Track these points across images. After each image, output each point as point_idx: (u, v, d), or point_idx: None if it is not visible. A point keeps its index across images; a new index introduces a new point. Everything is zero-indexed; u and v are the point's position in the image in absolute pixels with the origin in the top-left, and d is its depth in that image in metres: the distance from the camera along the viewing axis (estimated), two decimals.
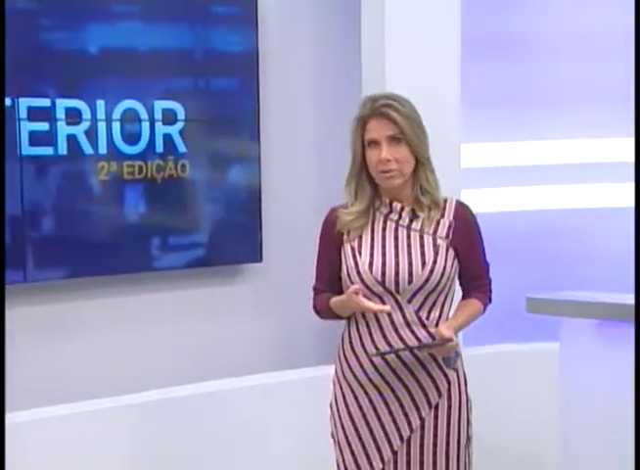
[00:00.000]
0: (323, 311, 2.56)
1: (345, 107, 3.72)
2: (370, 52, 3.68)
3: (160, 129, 3.54)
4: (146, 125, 3.51)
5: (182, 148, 3.59)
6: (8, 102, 3.22)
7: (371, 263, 2.46)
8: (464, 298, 2.59)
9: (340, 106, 3.76)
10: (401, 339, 2.45)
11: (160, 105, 3.53)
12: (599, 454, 2.54)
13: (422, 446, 2.48)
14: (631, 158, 2.98)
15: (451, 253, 2.49)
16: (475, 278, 2.57)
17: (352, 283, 2.46)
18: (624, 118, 2.92)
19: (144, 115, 3.50)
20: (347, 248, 2.51)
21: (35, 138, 3.30)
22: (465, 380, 2.55)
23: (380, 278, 2.44)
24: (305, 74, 3.91)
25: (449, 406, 2.50)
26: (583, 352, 2.74)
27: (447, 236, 2.49)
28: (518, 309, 2.98)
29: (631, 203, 3.21)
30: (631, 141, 3.07)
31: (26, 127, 3.28)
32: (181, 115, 3.57)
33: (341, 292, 2.53)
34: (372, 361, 2.47)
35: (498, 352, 3.83)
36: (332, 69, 3.92)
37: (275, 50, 3.79)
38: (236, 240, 3.76)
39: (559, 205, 4.05)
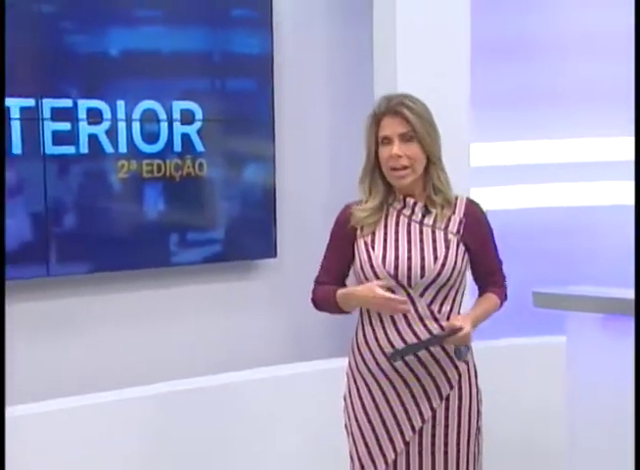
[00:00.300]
0: (324, 302, 2.56)
1: (358, 108, 3.73)
2: (382, 54, 3.68)
3: (179, 129, 3.55)
4: (164, 125, 3.52)
5: (200, 147, 3.60)
6: (32, 102, 3.24)
7: (384, 257, 2.47)
8: (480, 294, 2.59)
9: (352, 107, 3.81)
10: (414, 332, 2.46)
11: (179, 105, 3.54)
12: (605, 444, 2.55)
13: (433, 436, 2.49)
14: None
15: (462, 248, 2.49)
16: (489, 274, 2.58)
17: (366, 277, 2.47)
18: (631, 118, 2.92)
19: (163, 115, 3.51)
20: (361, 243, 2.51)
21: (58, 138, 3.32)
22: (475, 372, 2.56)
23: (392, 272, 2.45)
24: (319, 76, 3.92)
25: (460, 398, 2.51)
26: (589, 346, 2.74)
27: (458, 232, 2.49)
28: (525, 304, 2.98)
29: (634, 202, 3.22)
30: None
31: (50, 127, 3.29)
32: (199, 115, 3.58)
33: (343, 285, 2.55)
34: (386, 354, 2.46)
35: (507, 345, 3.82)
36: (344, 70, 3.93)
37: (289, 53, 3.80)
38: (251, 236, 3.77)
39: (566, 202, 4.05)
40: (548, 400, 3.40)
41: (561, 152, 4.04)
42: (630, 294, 2.54)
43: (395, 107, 2.46)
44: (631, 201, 3.50)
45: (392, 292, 2.43)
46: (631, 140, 3.26)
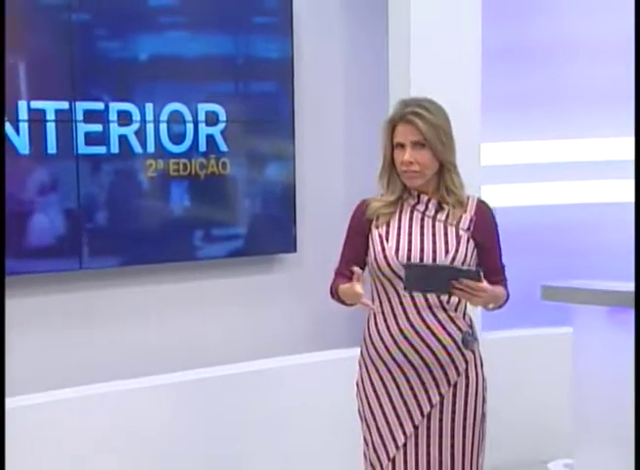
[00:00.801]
0: (335, 294, 2.57)
1: (373, 109, 3.78)
2: (397, 58, 3.68)
3: (204, 130, 3.55)
4: (190, 126, 3.52)
5: (223, 147, 3.60)
6: (66, 105, 3.26)
7: (397, 249, 2.47)
8: None
9: (368, 108, 3.84)
10: (423, 320, 2.46)
11: (204, 107, 3.54)
12: (608, 430, 2.55)
13: (441, 420, 2.49)
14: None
15: (471, 243, 2.49)
16: (492, 273, 2.53)
17: (379, 267, 2.47)
18: (632, 119, 2.93)
19: (188, 116, 3.52)
20: (375, 234, 2.52)
21: (90, 138, 3.33)
22: (481, 362, 2.56)
23: (405, 262, 2.44)
24: (336, 79, 3.91)
25: (467, 385, 2.50)
26: (595, 337, 2.73)
27: (469, 228, 2.50)
28: (534, 297, 2.98)
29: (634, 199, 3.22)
30: None
31: (82, 129, 3.31)
32: (222, 116, 3.58)
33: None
34: (396, 341, 2.47)
35: (516, 336, 3.83)
36: (361, 73, 3.93)
37: (308, 56, 3.80)
38: (272, 232, 3.77)
39: (572, 200, 4.05)
40: (555, 388, 3.40)
41: (567, 151, 4.03)
42: (633, 287, 2.54)
43: (408, 115, 2.46)
44: (632, 198, 3.50)
45: (397, 284, 2.44)
46: (632, 140, 3.26)
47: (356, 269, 2.40)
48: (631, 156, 3.35)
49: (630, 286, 2.57)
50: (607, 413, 2.56)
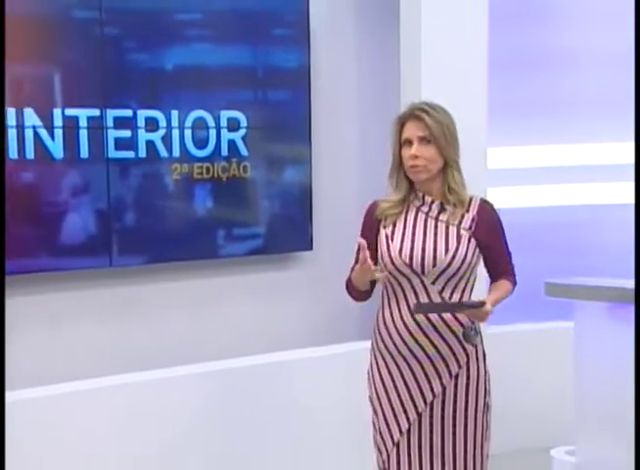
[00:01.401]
0: (349, 286, 2.59)
1: (386, 115, 3.73)
2: (408, 67, 3.69)
3: (226, 135, 3.56)
4: (213, 132, 3.53)
5: (244, 152, 3.61)
6: (97, 113, 3.28)
7: (401, 249, 2.48)
8: (493, 282, 2.58)
9: (380, 114, 3.80)
10: (426, 316, 2.47)
11: (226, 114, 3.54)
12: (608, 418, 2.55)
13: (443, 409, 2.49)
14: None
15: (473, 243, 2.49)
16: (500, 265, 2.57)
17: (385, 265, 2.49)
18: (632, 125, 2.93)
19: (211, 123, 3.52)
20: (382, 235, 2.53)
21: (119, 144, 3.35)
22: (484, 356, 2.55)
23: (408, 261, 2.46)
24: (350, 87, 3.92)
25: (468, 377, 2.50)
26: (595, 331, 2.72)
27: (470, 228, 2.49)
28: (537, 293, 2.98)
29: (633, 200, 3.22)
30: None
31: (112, 134, 3.32)
32: (243, 123, 3.59)
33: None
34: (401, 335, 2.48)
35: (521, 330, 3.84)
36: (374, 82, 3.94)
37: (324, 66, 3.81)
38: (290, 231, 3.78)
39: (574, 201, 4.04)
40: (557, 379, 3.38)
41: (570, 156, 4.03)
42: (632, 284, 2.53)
43: (416, 112, 2.48)
44: (632, 200, 3.49)
45: (402, 281, 2.47)
46: (632, 145, 3.26)
47: (361, 240, 2.42)
48: (631, 159, 3.34)
49: (629, 283, 2.57)
50: (607, 402, 2.56)
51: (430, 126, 2.45)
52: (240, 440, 3.34)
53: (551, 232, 3.96)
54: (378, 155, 3.80)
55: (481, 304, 2.39)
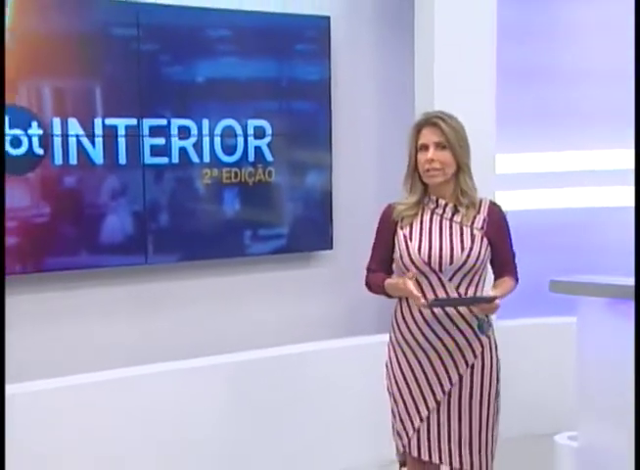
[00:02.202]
0: (375, 287, 2.58)
1: (400, 123, 3.73)
2: (421, 79, 3.69)
3: (252, 143, 3.57)
4: (241, 140, 3.54)
5: (269, 157, 3.62)
6: (134, 122, 3.30)
7: (419, 248, 2.49)
8: (497, 278, 2.60)
9: (396, 122, 3.83)
10: (444, 310, 2.48)
11: (253, 123, 3.56)
12: (608, 405, 2.54)
13: (460, 397, 2.52)
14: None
15: (485, 241, 2.51)
16: (504, 264, 2.59)
17: (404, 264, 2.50)
18: (632, 133, 2.92)
19: (239, 131, 3.54)
20: (400, 235, 2.54)
21: (155, 150, 3.37)
22: (496, 346, 2.58)
23: (426, 259, 2.48)
24: (368, 98, 3.92)
25: (482, 366, 2.53)
26: (596, 325, 2.70)
27: (482, 228, 2.51)
28: (543, 290, 2.97)
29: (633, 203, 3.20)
30: None
31: (148, 142, 3.35)
32: (269, 131, 3.60)
33: (389, 271, 2.57)
34: (420, 328, 2.49)
35: (527, 324, 3.79)
36: (389, 93, 3.94)
37: (344, 78, 3.82)
38: (311, 231, 3.78)
39: (578, 204, 4.01)
40: (561, 369, 3.34)
41: (573, 161, 4.00)
42: (632, 281, 2.52)
43: (433, 119, 2.51)
44: (632, 203, 3.48)
45: (421, 279, 2.47)
46: (632, 151, 3.25)
47: (411, 274, 2.44)
48: (631, 165, 3.33)
49: (628, 280, 2.55)
50: (607, 391, 2.55)
51: (446, 132, 2.48)
52: (265, 425, 3.35)
53: (555, 233, 3.93)
54: (393, 160, 3.79)
55: (493, 298, 2.41)
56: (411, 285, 2.42)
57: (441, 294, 2.47)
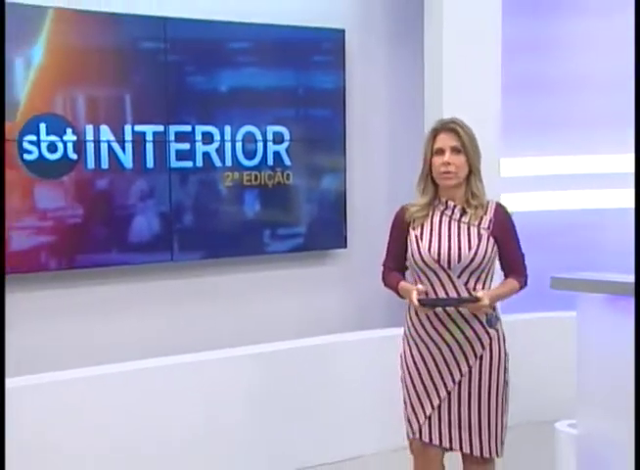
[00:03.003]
0: (390, 285, 2.58)
1: (411, 130, 3.77)
2: (431, 88, 3.69)
3: (271, 148, 3.59)
4: (260, 145, 3.56)
5: (287, 162, 3.64)
6: (161, 128, 3.33)
7: (430, 247, 2.48)
8: (505, 278, 2.57)
9: (406, 129, 3.86)
10: (434, 310, 2.48)
11: (272, 129, 3.59)
12: (606, 394, 2.53)
13: (469, 386, 2.51)
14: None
15: (491, 241, 2.50)
16: (512, 264, 2.55)
17: (415, 261, 2.50)
18: (631, 138, 2.92)
19: (259, 136, 3.56)
20: (412, 235, 2.53)
21: (180, 155, 3.40)
22: (504, 338, 2.56)
23: (436, 258, 2.47)
24: (380, 106, 3.94)
25: (491, 357, 2.51)
26: (595, 320, 2.68)
27: (489, 228, 2.50)
28: (544, 286, 2.96)
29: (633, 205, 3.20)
30: None
31: (174, 147, 3.38)
32: (287, 136, 3.62)
33: (403, 268, 2.57)
34: (432, 323, 2.48)
35: (530, 318, 3.81)
36: (400, 101, 3.95)
37: (357, 87, 3.83)
38: (326, 231, 3.80)
39: (578, 206, 4.01)
40: (562, 360, 3.27)
41: (574, 165, 4.00)
42: (630, 278, 2.50)
43: (449, 124, 2.50)
44: (631, 205, 3.47)
45: (431, 276, 2.49)
46: (632, 156, 3.24)
47: (421, 287, 2.46)
48: (630, 169, 3.31)
49: (625, 278, 2.54)
50: (605, 381, 2.54)
51: (462, 137, 2.47)
52: (283, 413, 3.36)
53: (557, 233, 3.94)
54: (404, 165, 3.83)
55: (477, 299, 2.40)
56: (414, 295, 2.44)
57: (451, 289, 2.47)
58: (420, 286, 2.47)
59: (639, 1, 2.78)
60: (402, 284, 2.55)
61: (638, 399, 2.25)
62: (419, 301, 2.42)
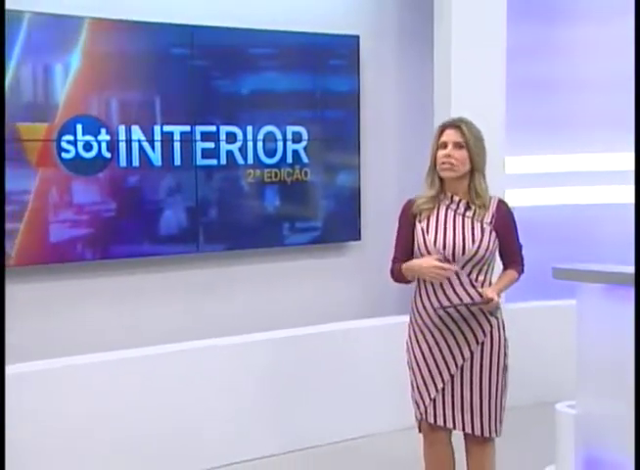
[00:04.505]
0: (396, 274, 2.56)
1: (421, 130, 3.77)
2: (440, 91, 3.70)
3: (290, 146, 3.60)
4: (280, 144, 3.58)
5: (305, 159, 3.65)
6: (188, 128, 3.34)
7: (435, 240, 2.48)
8: (504, 269, 2.58)
9: (416, 130, 3.86)
10: (457, 294, 2.48)
11: (291, 129, 3.60)
12: (605, 377, 2.53)
13: (471, 370, 2.51)
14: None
15: (493, 234, 2.49)
16: (511, 255, 2.55)
17: (421, 253, 2.49)
18: (630, 137, 2.91)
19: (279, 136, 3.58)
20: (418, 228, 2.52)
21: (205, 153, 3.42)
22: (503, 325, 2.55)
23: (441, 250, 2.47)
24: (392, 107, 3.94)
25: (491, 343, 2.51)
26: (594, 308, 2.65)
27: (491, 222, 2.49)
28: (546, 276, 2.96)
29: (633, 200, 3.19)
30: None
31: (200, 146, 3.39)
32: (305, 136, 3.64)
33: (411, 259, 2.53)
34: (435, 310, 2.49)
35: (532, 307, 3.81)
36: (411, 103, 3.95)
37: (371, 90, 3.83)
38: (342, 224, 3.80)
39: (579, 201, 4.01)
40: (562, 346, 3.29)
41: (576, 163, 4.00)
42: (627, 269, 2.49)
43: (456, 122, 2.50)
44: (631, 200, 3.46)
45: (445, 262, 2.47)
46: (631, 155, 3.23)
47: (450, 267, 2.45)
48: (629, 166, 3.29)
49: (622, 268, 2.53)
50: (602, 365, 2.54)
51: (465, 134, 2.46)
52: (299, 393, 3.38)
53: (559, 227, 3.93)
54: (414, 162, 3.80)
55: (490, 300, 2.42)
56: (436, 261, 2.43)
57: (454, 280, 2.48)
58: (435, 255, 2.44)
59: (639, 6, 2.78)
60: (404, 265, 2.51)
61: (638, 385, 2.26)
62: (436, 309, 2.43)
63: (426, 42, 3.78)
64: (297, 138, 3.63)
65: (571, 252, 3.60)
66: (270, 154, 3.58)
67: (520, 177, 3.91)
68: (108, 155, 3.22)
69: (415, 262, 2.48)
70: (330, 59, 3.67)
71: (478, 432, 2.52)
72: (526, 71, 3.87)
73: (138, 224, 3.32)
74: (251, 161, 3.53)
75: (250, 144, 3.52)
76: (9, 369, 2.79)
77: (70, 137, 3.14)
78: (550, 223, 3.91)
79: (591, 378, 2.57)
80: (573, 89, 3.96)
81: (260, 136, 3.55)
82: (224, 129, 3.46)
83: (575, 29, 3.94)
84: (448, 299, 2.48)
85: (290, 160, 3.62)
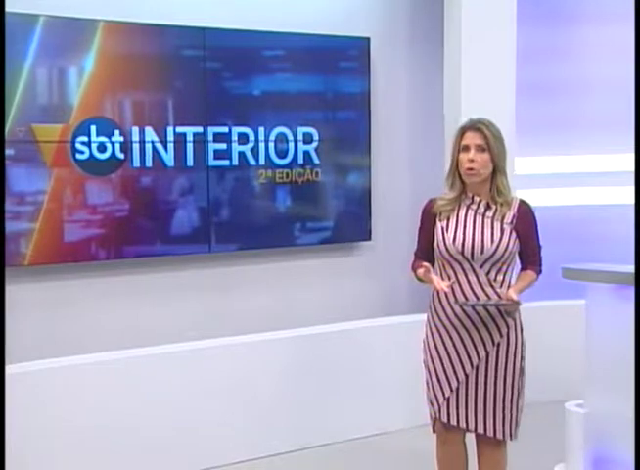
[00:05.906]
0: (413, 271, 2.57)
1: (431, 131, 3.78)
2: (449, 92, 3.69)
3: (302, 147, 3.61)
4: (292, 145, 3.58)
5: (316, 160, 3.65)
6: (200, 129, 3.35)
7: (454, 239, 2.46)
8: (522, 270, 2.56)
9: (426, 130, 3.87)
10: (475, 294, 2.45)
11: (302, 130, 3.60)
12: (612, 378, 2.53)
13: (486, 371, 2.49)
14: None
15: (513, 235, 2.47)
16: (530, 255, 2.53)
17: (440, 252, 2.48)
18: (633, 139, 2.91)
19: (290, 137, 3.58)
20: (439, 227, 2.50)
21: (217, 154, 3.43)
22: (521, 327, 2.52)
23: (460, 249, 2.45)
24: (402, 108, 3.94)
25: (507, 345, 2.49)
26: (603, 308, 2.66)
27: (511, 223, 2.47)
28: (556, 276, 2.95)
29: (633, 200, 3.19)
30: None
31: (212, 147, 3.40)
32: (316, 137, 3.64)
33: (432, 257, 2.53)
34: (453, 310, 2.47)
35: (543, 306, 3.78)
36: (421, 104, 3.95)
37: (381, 91, 3.83)
38: (352, 225, 3.80)
39: (586, 201, 4.00)
40: (571, 345, 3.25)
41: (583, 164, 3.99)
42: (633, 269, 2.51)
43: (477, 124, 2.47)
44: (633, 201, 3.46)
45: (455, 266, 2.47)
46: (632, 155, 3.23)
47: (426, 265, 2.46)
48: (631, 168, 3.29)
49: (631, 269, 2.53)
50: (610, 365, 2.54)
51: (487, 137, 2.44)
52: (315, 391, 3.38)
53: (568, 227, 3.92)
54: (424, 163, 3.85)
55: (511, 301, 2.40)
56: (432, 275, 2.45)
57: (473, 279, 2.46)
58: (447, 282, 2.46)
59: (639, 10, 2.77)
60: (419, 271, 2.52)
61: (638, 385, 2.25)
62: (461, 303, 2.43)
63: (436, 44, 3.78)
64: (308, 139, 3.63)
65: (580, 252, 3.58)
66: (282, 155, 3.58)
67: (529, 178, 3.90)
68: (121, 156, 3.24)
69: (433, 278, 2.47)
70: (341, 61, 3.68)
71: (490, 433, 2.50)
72: (536, 73, 3.86)
73: (151, 224, 3.33)
74: (262, 161, 3.54)
75: (261, 145, 3.52)
76: (21, 368, 2.83)
77: (85, 138, 3.16)
78: (560, 224, 3.87)
79: (600, 377, 2.56)
80: (583, 91, 3.95)
81: (272, 137, 3.55)
82: (236, 130, 3.47)
83: (585, 32, 3.93)
84: (466, 298, 2.47)
85: (301, 160, 3.62)
